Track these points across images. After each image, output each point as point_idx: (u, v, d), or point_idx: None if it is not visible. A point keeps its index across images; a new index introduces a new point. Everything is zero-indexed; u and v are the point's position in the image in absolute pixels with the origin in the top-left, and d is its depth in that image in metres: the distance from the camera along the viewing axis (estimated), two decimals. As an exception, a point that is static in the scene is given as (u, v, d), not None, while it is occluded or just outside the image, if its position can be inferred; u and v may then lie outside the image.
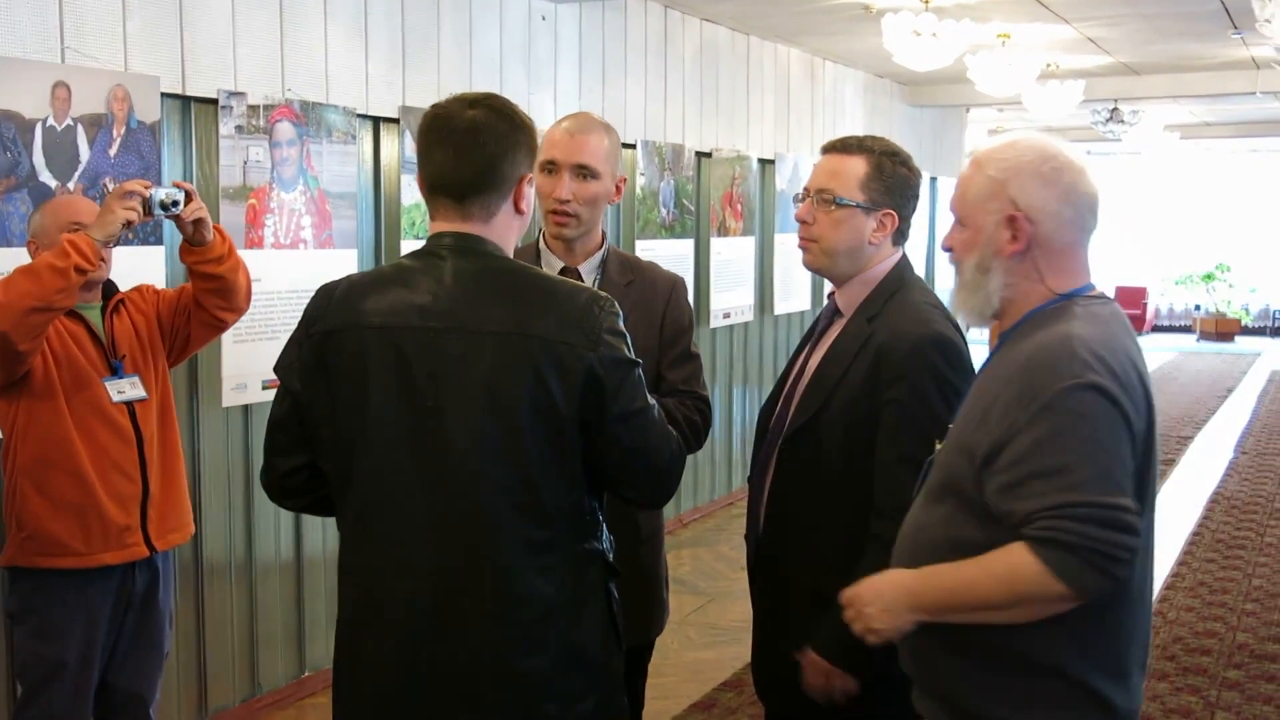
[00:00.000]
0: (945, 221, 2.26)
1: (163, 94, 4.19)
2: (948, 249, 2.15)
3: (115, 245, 3.17)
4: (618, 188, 2.93)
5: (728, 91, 8.02)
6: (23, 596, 3.25)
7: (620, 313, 2.12)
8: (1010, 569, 1.88)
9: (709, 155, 7.70)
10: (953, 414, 2.25)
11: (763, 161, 8.48)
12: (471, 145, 2.09)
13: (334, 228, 4.87)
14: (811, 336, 2.78)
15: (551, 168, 2.83)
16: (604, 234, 3.01)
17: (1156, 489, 2.04)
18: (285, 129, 4.66)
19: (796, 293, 8.90)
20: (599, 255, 2.96)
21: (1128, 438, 1.91)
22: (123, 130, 4.04)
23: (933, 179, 11.49)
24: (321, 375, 2.11)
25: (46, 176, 3.82)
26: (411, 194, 5.22)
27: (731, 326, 8.07)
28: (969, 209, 2.09)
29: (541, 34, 6.20)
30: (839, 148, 2.67)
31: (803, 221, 2.66)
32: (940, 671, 2.09)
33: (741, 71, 8.21)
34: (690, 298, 3.12)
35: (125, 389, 3.27)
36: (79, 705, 3.25)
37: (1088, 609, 1.91)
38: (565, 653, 2.08)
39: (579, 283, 2.25)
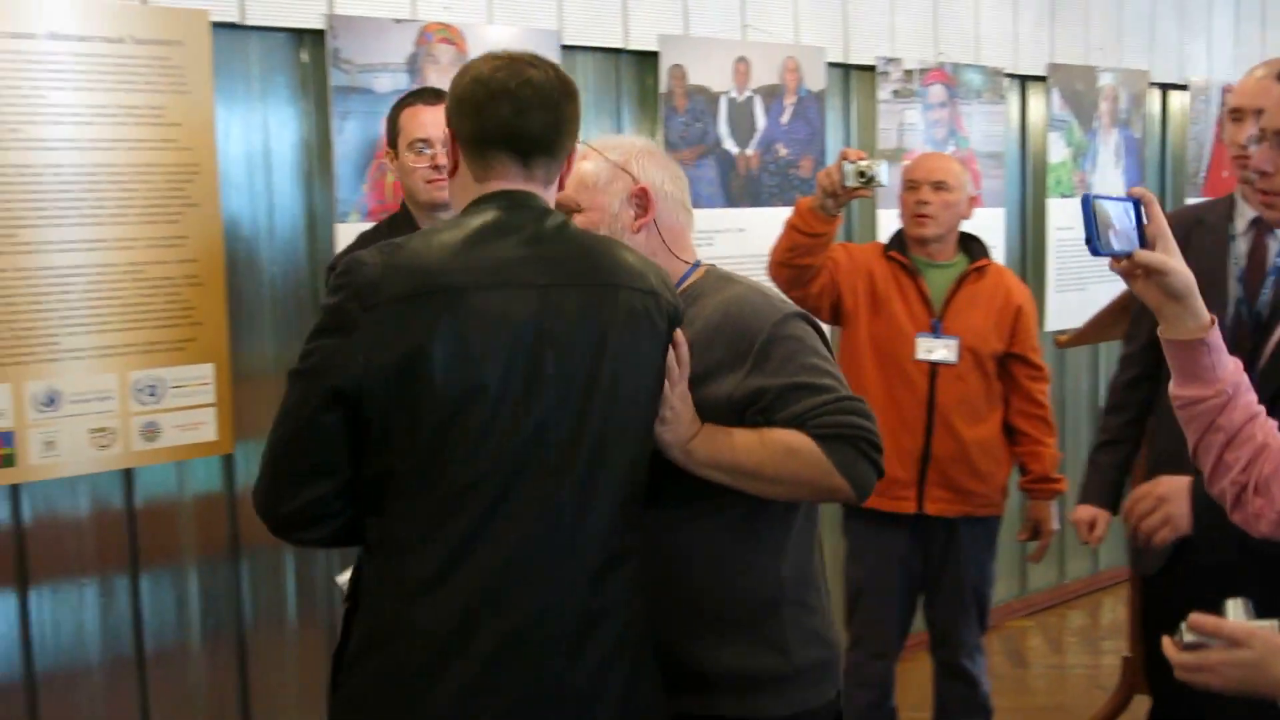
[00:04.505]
0: None
1: (827, 63, 4.46)
2: None
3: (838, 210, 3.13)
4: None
5: None
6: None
7: None
8: (790, 451, 1.88)
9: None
10: None
11: None
12: (542, 102, 1.80)
13: (983, 187, 4.93)
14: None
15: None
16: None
17: None
18: (937, 91, 4.78)
19: None
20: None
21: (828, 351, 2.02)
22: (793, 99, 4.34)
23: None
24: (391, 354, 1.66)
25: (729, 144, 4.19)
26: (1058, 152, 5.18)
27: None
28: (590, 193, 2.07)
29: (1196, -20, 5.89)
30: None
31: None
32: None
33: None
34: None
35: (935, 349, 3.29)
36: (879, 625, 3.46)
37: None
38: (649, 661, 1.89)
39: None
